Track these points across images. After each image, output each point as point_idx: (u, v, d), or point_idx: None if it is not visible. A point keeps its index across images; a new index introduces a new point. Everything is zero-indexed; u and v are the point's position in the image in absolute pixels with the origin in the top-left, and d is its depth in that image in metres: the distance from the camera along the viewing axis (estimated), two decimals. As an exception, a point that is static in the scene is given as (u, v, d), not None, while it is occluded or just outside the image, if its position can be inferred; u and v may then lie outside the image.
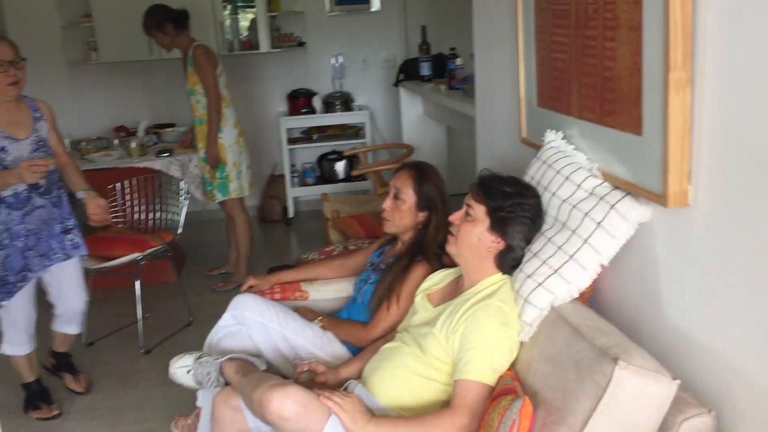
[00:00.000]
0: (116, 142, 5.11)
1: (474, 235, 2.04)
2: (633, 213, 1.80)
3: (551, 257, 1.94)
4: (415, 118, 5.80)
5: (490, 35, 2.94)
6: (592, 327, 1.73)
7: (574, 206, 1.94)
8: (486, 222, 2.03)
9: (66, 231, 3.09)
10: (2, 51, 2.82)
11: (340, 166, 6.19)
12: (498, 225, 2.02)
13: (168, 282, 4.58)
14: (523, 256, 2.04)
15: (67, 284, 3.15)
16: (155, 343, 3.87)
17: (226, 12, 6.03)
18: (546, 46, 2.27)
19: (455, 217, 2.12)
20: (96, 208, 3.06)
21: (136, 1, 5.57)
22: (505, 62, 2.73)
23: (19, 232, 2.93)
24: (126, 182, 4.22)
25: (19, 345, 3.13)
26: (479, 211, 2.05)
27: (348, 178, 6.13)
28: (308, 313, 2.67)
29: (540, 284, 1.92)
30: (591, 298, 2.03)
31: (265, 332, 2.50)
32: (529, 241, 2.04)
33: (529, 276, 1.97)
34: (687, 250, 1.67)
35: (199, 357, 2.32)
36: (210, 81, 4.32)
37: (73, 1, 5.75)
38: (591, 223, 1.87)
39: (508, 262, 2.04)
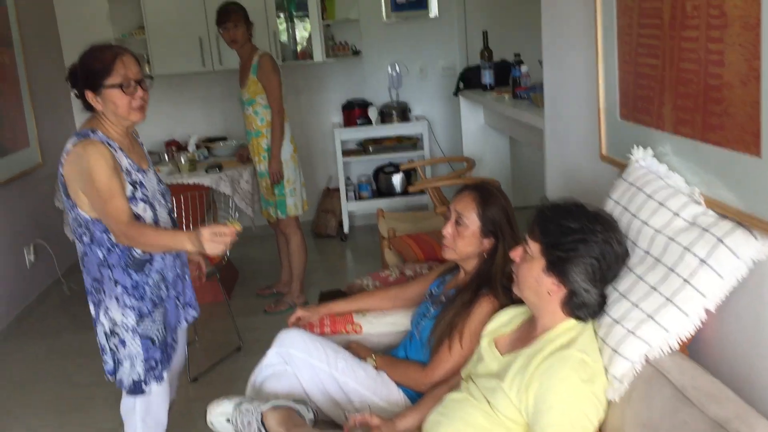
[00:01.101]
0: (166, 157, 4.97)
1: (531, 276, 1.76)
2: (746, 249, 1.50)
3: (643, 299, 1.64)
4: (475, 130, 5.51)
5: (561, 39, 2.65)
6: (700, 389, 1.43)
7: (670, 238, 1.64)
8: (542, 262, 1.74)
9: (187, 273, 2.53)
10: (129, 67, 2.21)
11: (396, 180, 5.95)
12: (555, 266, 1.72)
13: (218, 302, 4.39)
14: (601, 301, 1.74)
15: (179, 337, 2.55)
16: (202, 371, 3.68)
17: (281, 22, 5.86)
18: (631, 50, 1.98)
19: (515, 254, 1.84)
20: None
21: (188, 14, 5.49)
22: (581, 68, 2.44)
23: (173, 279, 2.38)
24: (174, 199, 4.03)
25: None
26: (535, 249, 1.76)
27: (405, 192, 5.87)
28: (361, 350, 2.41)
29: (630, 331, 1.62)
30: (690, 348, 1.72)
31: (313, 373, 2.26)
32: (604, 282, 1.74)
33: (616, 321, 1.67)
34: (820, 297, 1.36)
35: (240, 403, 2.09)
36: (276, 92, 4.16)
37: (127, 13, 5.67)
38: (693, 260, 1.57)
39: (578, 309, 1.74)
